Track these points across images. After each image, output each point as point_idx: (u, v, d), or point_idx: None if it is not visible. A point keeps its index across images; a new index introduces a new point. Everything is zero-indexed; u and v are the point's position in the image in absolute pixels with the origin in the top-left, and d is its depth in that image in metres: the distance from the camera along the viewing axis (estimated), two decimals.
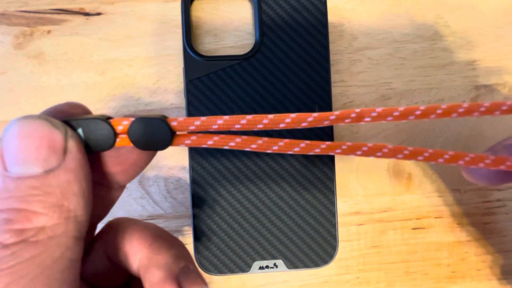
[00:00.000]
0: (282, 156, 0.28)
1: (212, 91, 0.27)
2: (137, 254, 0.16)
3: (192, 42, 0.28)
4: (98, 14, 0.28)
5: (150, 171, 0.29)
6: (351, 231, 0.29)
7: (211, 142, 0.15)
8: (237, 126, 0.14)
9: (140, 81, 0.28)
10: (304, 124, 0.14)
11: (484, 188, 0.30)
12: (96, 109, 0.28)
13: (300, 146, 0.15)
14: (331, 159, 0.28)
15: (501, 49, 0.30)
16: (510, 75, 0.30)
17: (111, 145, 0.15)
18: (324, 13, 0.28)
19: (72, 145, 0.13)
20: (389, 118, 0.14)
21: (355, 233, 0.29)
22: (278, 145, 0.15)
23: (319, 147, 0.15)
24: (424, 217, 0.30)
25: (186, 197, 0.29)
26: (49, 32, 0.28)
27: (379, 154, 0.15)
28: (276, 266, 0.28)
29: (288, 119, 0.14)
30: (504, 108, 0.15)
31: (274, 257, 0.28)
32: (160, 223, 0.29)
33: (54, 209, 0.13)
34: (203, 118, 0.14)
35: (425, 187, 0.30)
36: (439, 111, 0.15)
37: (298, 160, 0.28)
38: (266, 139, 0.15)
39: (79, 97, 0.28)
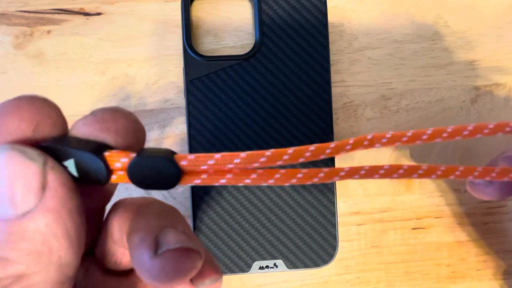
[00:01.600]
0: None
1: (212, 91, 0.27)
2: (124, 225, 0.15)
3: (192, 42, 0.28)
4: (98, 14, 0.28)
5: None
6: (351, 231, 0.29)
7: (224, 180, 0.13)
8: (256, 165, 0.13)
9: (140, 81, 0.28)
10: (322, 156, 0.14)
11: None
12: None
13: (319, 176, 0.14)
14: (331, 159, 0.28)
15: (501, 49, 0.30)
16: (510, 75, 0.30)
17: (104, 182, 0.13)
18: (324, 13, 0.28)
19: (53, 179, 0.11)
20: (383, 140, 0.15)
21: (355, 233, 0.29)
22: (297, 178, 0.14)
23: (338, 175, 0.14)
24: (424, 217, 0.30)
25: (186, 197, 0.29)
26: (49, 32, 0.28)
27: (376, 176, 0.15)
28: (276, 266, 0.28)
29: (308, 153, 0.14)
30: (508, 129, 0.15)
31: (274, 257, 0.28)
32: None
33: (32, 256, 0.11)
34: (217, 156, 0.13)
35: (425, 187, 0.30)
36: (424, 137, 0.15)
37: None
38: (283, 171, 0.14)
39: (79, 97, 0.28)
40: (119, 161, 0.13)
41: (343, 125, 0.29)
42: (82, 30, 0.28)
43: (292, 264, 0.28)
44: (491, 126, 0.15)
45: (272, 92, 0.28)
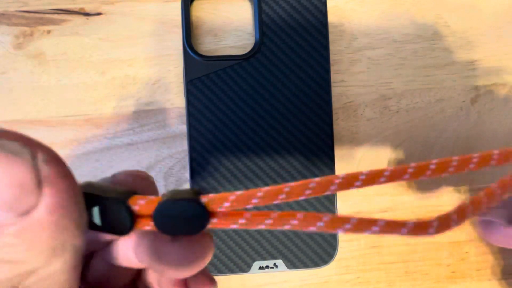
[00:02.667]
0: (282, 156, 0.28)
1: (212, 91, 0.27)
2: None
3: (192, 42, 0.28)
4: (98, 14, 0.28)
5: (150, 171, 0.29)
6: None
7: (243, 221, 0.13)
8: (282, 196, 0.13)
9: (140, 81, 0.28)
10: (332, 188, 0.13)
11: (484, 188, 0.29)
12: (96, 109, 0.28)
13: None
14: (331, 159, 0.28)
15: (501, 49, 0.30)
16: (510, 75, 0.30)
17: (127, 230, 0.13)
18: (324, 13, 0.28)
19: (49, 173, 0.10)
20: (405, 176, 0.14)
21: None
22: (324, 221, 0.13)
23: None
24: (424, 217, 0.30)
25: None
26: (49, 32, 0.28)
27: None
28: (276, 266, 0.28)
29: (333, 186, 0.13)
30: None
31: (274, 257, 0.28)
32: None
33: (37, 254, 0.11)
34: (238, 193, 0.13)
35: (425, 187, 0.30)
36: (428, 171, 0.14)
37: (298, 160, 0.28)
38: (304, 214, 0.13)
39: (79, 97, 0.28)
40: (143, 205, 0.13)
41: (343, 125, 0.29)
42: (82, 30, 0.28)
43: (292, 264, 0.28)
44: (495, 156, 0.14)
45: (272, 92, 0.28)
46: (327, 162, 0.28)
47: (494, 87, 0.30)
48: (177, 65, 0.28)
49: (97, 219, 0.12)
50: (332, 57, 0.29)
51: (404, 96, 0.29)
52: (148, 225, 0.13)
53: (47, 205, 0.10)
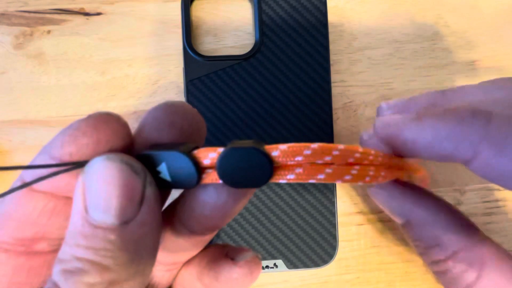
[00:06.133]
0: None
1: (212, 91, 0.27)
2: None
3: (192, 42, 0.28)
4: (98, 14, 0.28)
5: None
6: (351, 231, 0.29)
7: (322, 176, 0.12)
8: (335, 152, 0.12)
9: (140, 81, 0.28)
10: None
11: (484, 188, 0.29)
12: (96, 109, 0.28)
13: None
14: None
15: (501, 49, 0.30)
16: (510, 75, 0.30)
17: (195, 183, 0.13)
18: (324, 13, 0.28)
19: (150, 193, 0.12)
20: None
21: (355, 233, 0.29)
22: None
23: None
24: None
25: None
26: (49, 32, 0.28)
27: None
28: (276, 266, 0.28)
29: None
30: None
31: (274, 257, 0.28)
32: None
33: (126, 265, 0.12)
34: (314, 146, 0.12)
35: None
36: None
37: None
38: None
39: (79, 97, 0.28)
40: (207, 157, 0.12)
41: (343, 125, 0.29)
42: (82, 30, 0.28)
43: (292, 264, 0.28)
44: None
45: (272, 92, 0.28)
46: None
47: None
48: (177, 65, 0.28)
49: (166, 175, 0.13)
50: (332, 57, 0.29)
51: (404, 96, 0.29)
52: (214, 178, 0.13)
53: (141, 220, 0.12)
